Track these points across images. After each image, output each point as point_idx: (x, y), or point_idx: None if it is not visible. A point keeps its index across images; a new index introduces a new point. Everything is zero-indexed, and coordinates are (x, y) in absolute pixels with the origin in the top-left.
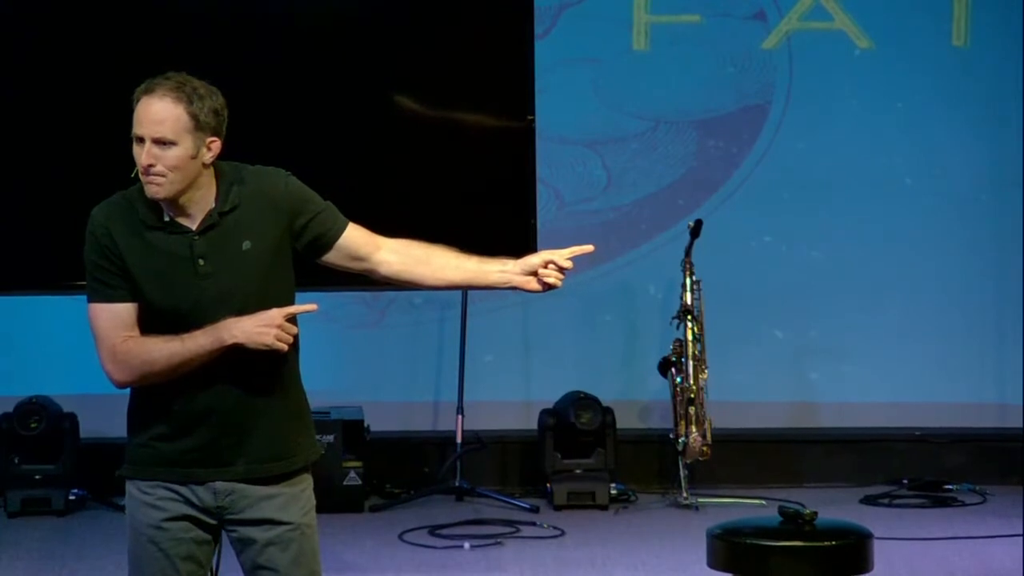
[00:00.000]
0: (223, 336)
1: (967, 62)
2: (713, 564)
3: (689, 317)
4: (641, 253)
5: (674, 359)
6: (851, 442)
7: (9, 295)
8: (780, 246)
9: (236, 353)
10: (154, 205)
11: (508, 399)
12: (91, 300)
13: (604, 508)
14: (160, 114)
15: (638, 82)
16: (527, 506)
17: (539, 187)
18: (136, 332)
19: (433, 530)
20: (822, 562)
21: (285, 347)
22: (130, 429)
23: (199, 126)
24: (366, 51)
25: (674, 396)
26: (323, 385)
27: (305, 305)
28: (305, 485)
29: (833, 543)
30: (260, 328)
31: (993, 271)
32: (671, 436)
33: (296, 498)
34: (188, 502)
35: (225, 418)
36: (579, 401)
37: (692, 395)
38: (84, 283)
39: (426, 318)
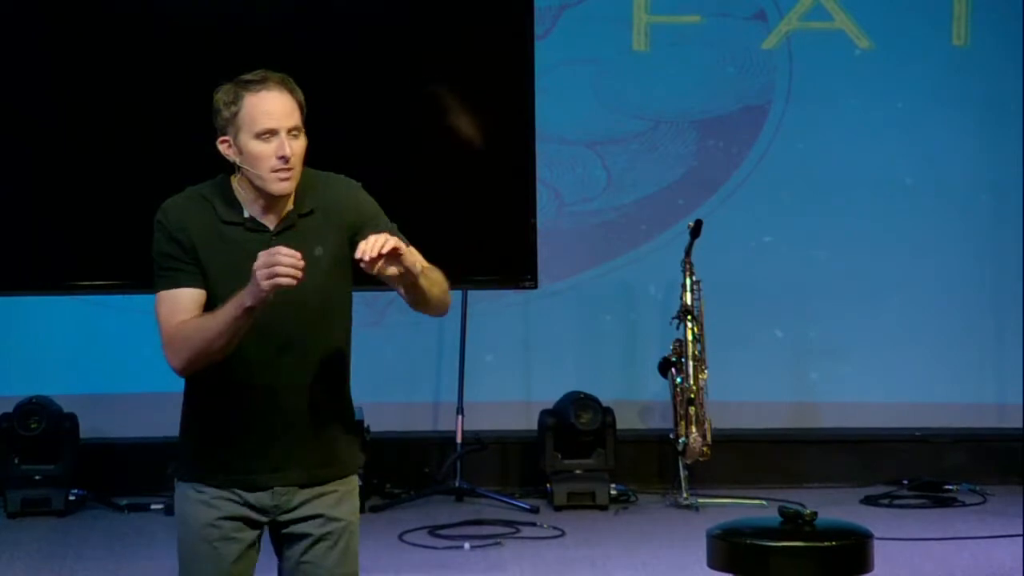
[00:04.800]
0: (244, 300)
1: (967, 62)
2: (713, 564)
3: (689, 317)
4: (641, 253)
5: (674, 359)
6: (851, 442)
7: (9, 295)
8: (780, 246)
9: (294, 360)
10: (233, 202)
11: (508, 399)
12: (156, 289)
13: (604, 508)
14: (287, 105)
15: (638, 82)
16: (527, 506)
17: (539, 187)
18: (189, 316)
19: (433, 530)
20: (822, 562)
21: (294, 279)
22: (184, 431)
23: (303, 115)
24: (365, 51)
25: (674, 396)
26: None
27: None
28: (354, 485)
29: (833, 543)
30: (265, 274)
31: (993, 271)
32: (671, 436)
33: (348, 495)
34: (244, 502)
35: (282, 426)
36: (579, 401)
37: (692, 395)
38: (83, 284)
39: (426, 318)
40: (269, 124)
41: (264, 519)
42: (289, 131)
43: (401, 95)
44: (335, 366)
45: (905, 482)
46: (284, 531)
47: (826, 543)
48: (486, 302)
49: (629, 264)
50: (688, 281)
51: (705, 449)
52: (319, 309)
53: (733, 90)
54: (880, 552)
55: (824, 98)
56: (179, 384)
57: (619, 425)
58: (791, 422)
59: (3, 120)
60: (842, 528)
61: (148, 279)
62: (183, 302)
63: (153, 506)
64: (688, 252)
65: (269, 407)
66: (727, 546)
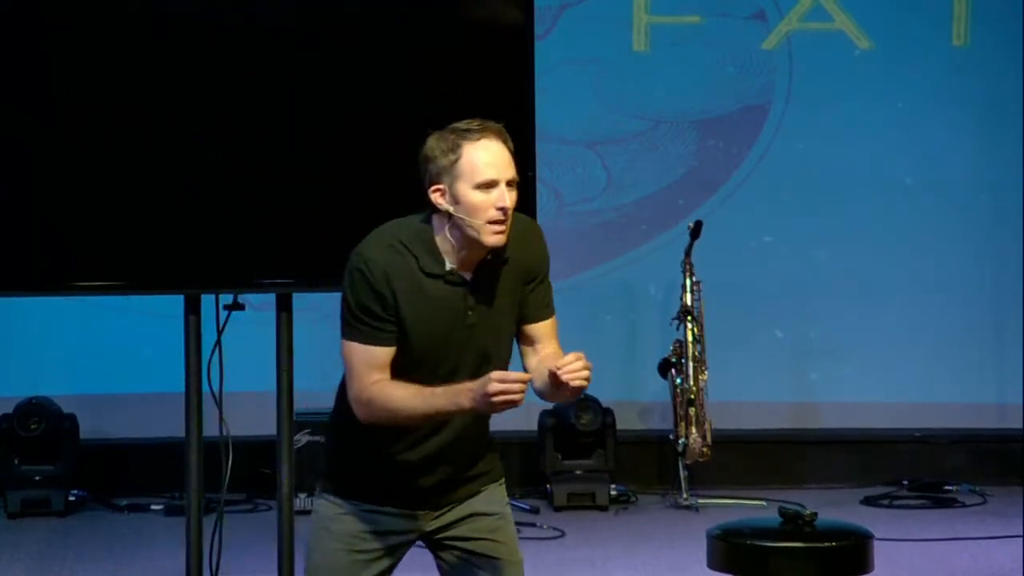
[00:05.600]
0: (462, 402)
1: (967, 62)
2: (713, 565)
3: (689, 318)
4: (641, 253)
5: (674, 360)
6: (851, 443)
7: (9, 295)
8: (780, 246)
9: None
10: (435, 252)
11: None
12: (350, 338)
13: (604, 509)
14: (506, 156)
15: (638, 82)
16: (527, 507)
17: (539, 187)
18: (387, 375)
19: None
20: (822, 563)
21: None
22: (339, 449)
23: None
24: (364, 53)
25: (674, 397)
26: (323, 385)
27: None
28: (502, 480)
29: (833, 544)
30: (500, 401)
31: (993, 271)
32: (671, 437)
33: (494, 491)
34: (395, 516)
35: (443, 457)
36: (579, 402)
37: (692, 396)
38: (83, 284)
39: None
40: (491, 175)
41: (413, 536)
42: (508, 182)
43: (400, 95)
44: None
45: (905, 483)
46: (440, 537)
47: (826, 544)
48: None
49: (629, 264)
50: (688, 281)
51: (705, 450)
52: (493, 353)
53: (733, 90)
54: (880, 553)
55: (824, 98)
56: (179, 385)
57: (619, 426)
58: (791, 422)
59: (3, 120)
60: (842, 529)
61: (148, 279)
62: (380, 360)
63: (153, 506)
64: (688, 252)
65: (433, 439)
66: (727, 547)
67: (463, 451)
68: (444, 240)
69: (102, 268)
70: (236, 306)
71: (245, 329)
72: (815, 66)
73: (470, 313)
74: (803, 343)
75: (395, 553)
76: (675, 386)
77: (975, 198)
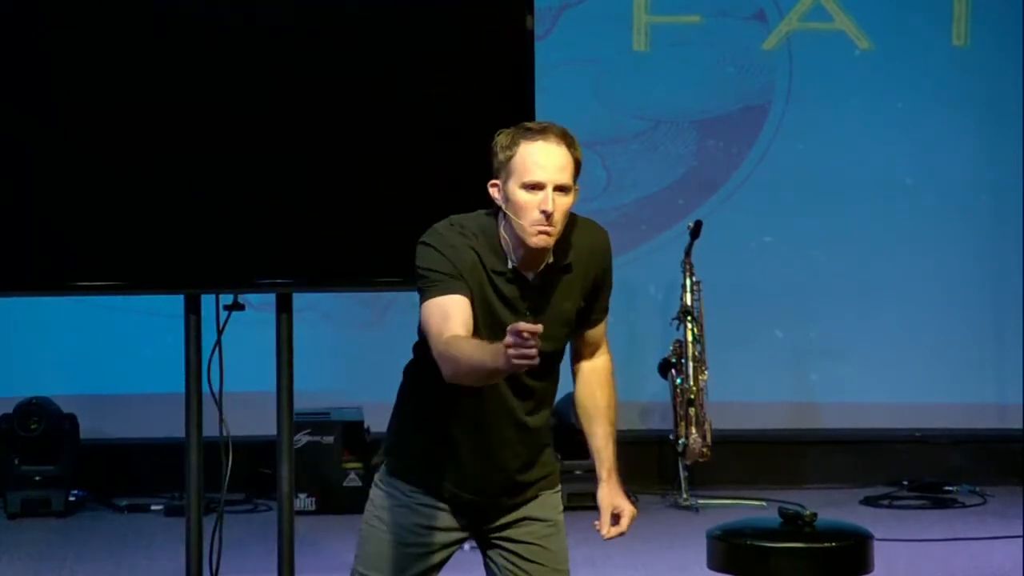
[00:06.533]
0: (498, 364)
1: (967, 62)
2: (713, 565)
3: (689, 318)
4: (641, 253)
5: (674, 360)
6: (851, 443)
7: (9, 295)
8: (780, 246)
9: (523, 398)
10: (498, 249)
11: None
12: (424, 300)
13: None
14: (561, 160)
15: (638, 82)
16: None
17: None
18: (461, 329)
19: None
20: (822, 563)
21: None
22: (405, 431)
23: (577, 173)
24: (364, 53)
25: (674, 397)
26: (323, 385)
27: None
28: (558, 488)
29: (833, 544)
30: (515, 354)
31: (993, 271)
32: (671, 437)
33: (550, 497)
34: (450, 512)
35: (505, 455)
36: None
37: (692, 396)
38: (83, 284)
39: None
40: (538, 176)
41: (464, 534)
42: (556, 187)
43: (400, 95)
44: (550, 400)
45: (905, 483)
46: (492, 536)
47: (826, 544)
48: None
49: (629, 264)
50: (688, 282)
51: (705, 450)
52: (552, 355)
53: (733, 90)
54: (880, 553)
55: (824, 98)
56: (179, 385)
57: (619, 426)
58: (791, 422)
59: (3, 120)
60: (842, 529)
61: (148, 279)
62: (451, 308)
63: (153, 506)
64: (688, 253)
65: (495, 436)
66: (727, 547)
67: (518, 452)
68: (503, 236)
69: (102, 268)
70: (236, 306)
71: (245, 329)
72: (815, 66)
73: (527, 313)
74: (803, 343)
75: (445, 550)
76: (675, 386)
77: (975, 198)
